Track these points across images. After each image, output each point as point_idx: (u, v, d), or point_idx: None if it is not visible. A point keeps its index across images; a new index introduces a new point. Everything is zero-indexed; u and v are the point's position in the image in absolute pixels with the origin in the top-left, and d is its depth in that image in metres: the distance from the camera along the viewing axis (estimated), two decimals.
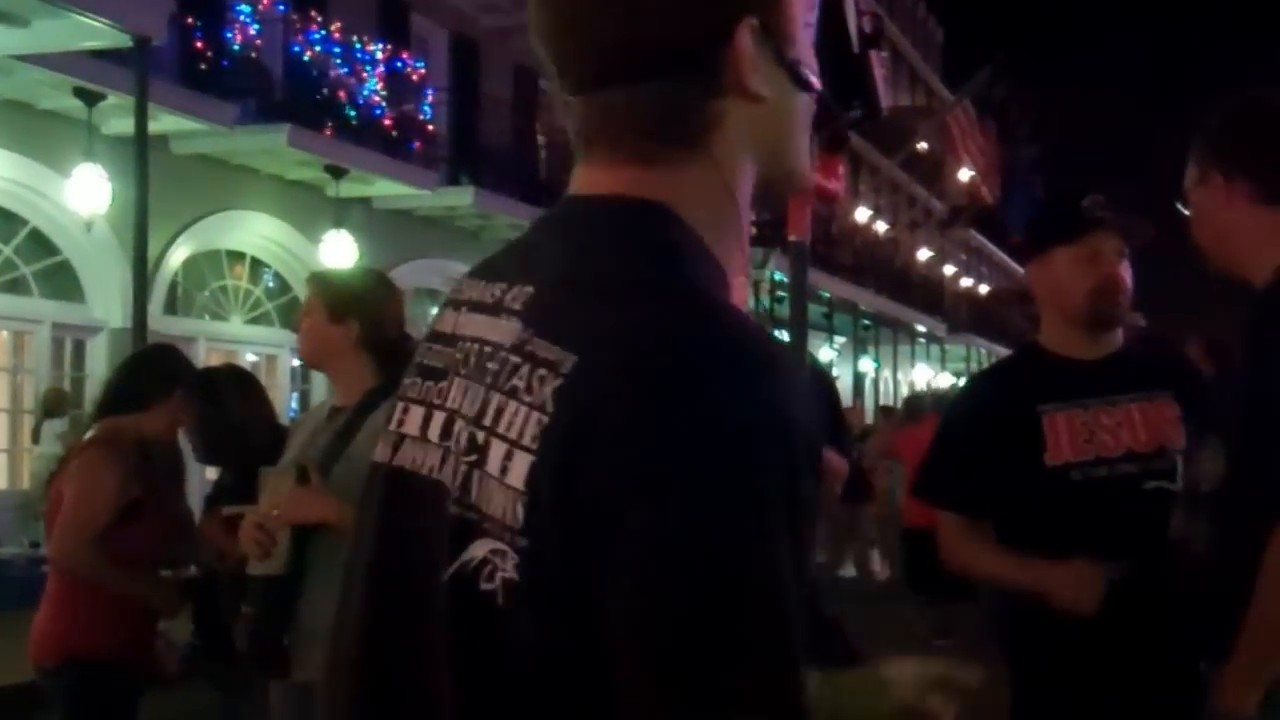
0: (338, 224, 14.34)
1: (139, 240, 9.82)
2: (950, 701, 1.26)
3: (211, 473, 5.42)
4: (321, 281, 3.46)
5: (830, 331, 26.86)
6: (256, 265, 15.28)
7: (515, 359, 0.99)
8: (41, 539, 6.91)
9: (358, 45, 14.82)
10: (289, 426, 4.02)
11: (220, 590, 3.88)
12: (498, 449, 0.97)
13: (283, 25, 14.00)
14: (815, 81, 1.11)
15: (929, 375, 36.10)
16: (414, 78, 15.95)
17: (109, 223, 11.76)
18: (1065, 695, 2.77)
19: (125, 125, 10.62)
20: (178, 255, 13.60)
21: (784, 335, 2.83)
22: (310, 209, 14.76)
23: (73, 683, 3.79)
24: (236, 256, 15.00)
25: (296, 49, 14.08)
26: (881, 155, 35.02)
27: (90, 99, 11.33)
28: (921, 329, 35.69)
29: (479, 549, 0.96)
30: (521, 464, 0.95)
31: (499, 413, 0.98)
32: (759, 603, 0.89)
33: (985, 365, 19.31)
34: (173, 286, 13.85)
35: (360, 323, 3.27)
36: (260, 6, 13.67)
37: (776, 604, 0.90)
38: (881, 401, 27.66)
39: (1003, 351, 31.31)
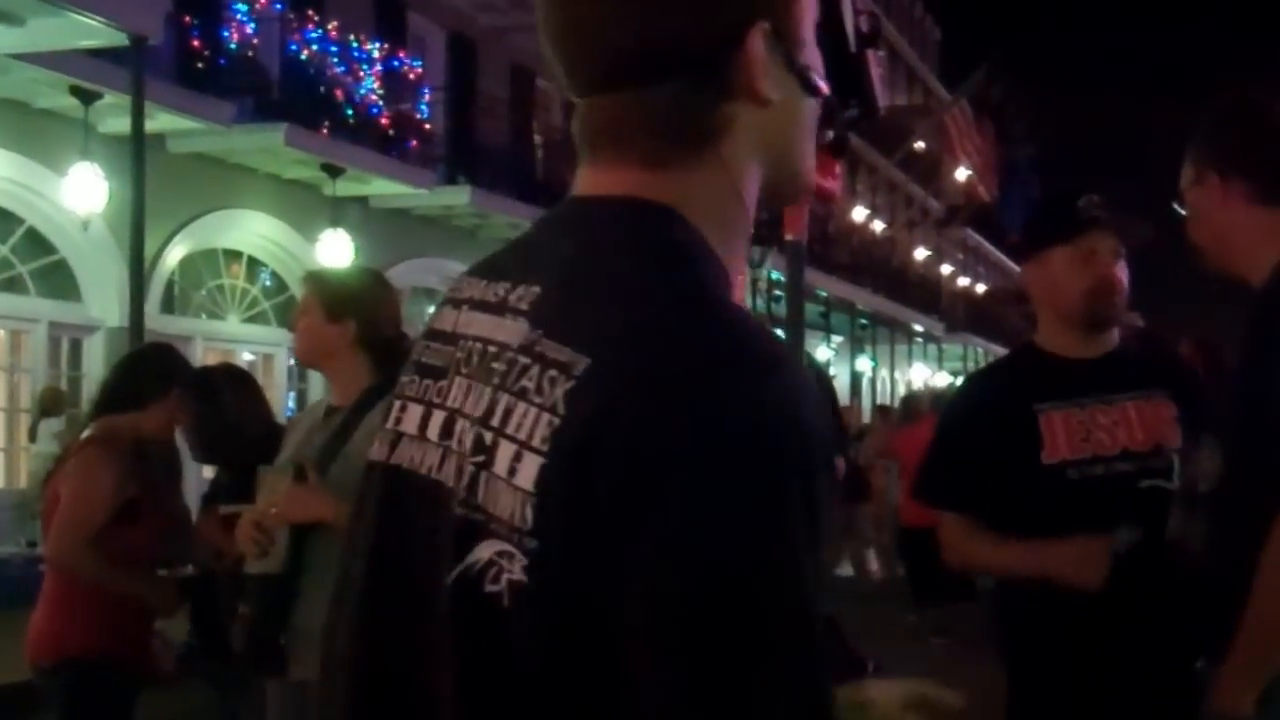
0: (334, 223, 14.33)
1: (136, 239, 9.82)
2: None
3: (209, 471, 5.42)
4: (318, 281, 3.45)
5: (827, 331, 26.87)
6: (253, 264, 15.27)
7: (524, 360, 0.99)
8: (38, 538, 6.92)
9: (355, 44, 14.82)
10: (286, 425, 4.02)
11: (217, 589, 3.88)
12: (506, 450, 0.97)
13: (280, 24, 13.99)
14: (823, 87, 1.12)
15: (926, 374, 36.12)
16: (411, 77, 15.95)
17: (106, 222, 11.74)
18: (1063, 694, 2.77)
19: (122, 124, 10.60)
20: (174, 254, 13.60)
21: (781, 334, 2.83)
22: (307, 208, 14.75)
23: (69, 682, 3.79)
24: (233, 255, 14.99)
25: (293, 48, 14.06)
26: (879, 154, 35.02)
27: (87, 98, 11.32)
28: (919, 328, 35.72)
29: (484, 551, 0.96)
30: (531, 465, 0.94)
31: (507, 414, 0.98)
32: (782, 603, 0.89)
33: (982, 365, 19.32)
34: (169, 285, 13.84)
35: (358, 322, 3.27)
36: (257, 5, 13.66)
37: (800, 604, 0.90)
38: (879, 401, 27.67)
39: (1000, 351, 31.34)
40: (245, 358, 14.76)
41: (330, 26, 14.57)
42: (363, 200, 15.50)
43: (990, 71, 38.69)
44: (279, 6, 14.03)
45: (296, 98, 13.80)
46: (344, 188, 14.58)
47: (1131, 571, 2.61)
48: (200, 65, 12.77)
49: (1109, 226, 2.82)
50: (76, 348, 13.14)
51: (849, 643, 5.33)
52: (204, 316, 14.62)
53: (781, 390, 0.93)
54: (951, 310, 39.92)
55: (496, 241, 14.97)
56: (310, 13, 14.46)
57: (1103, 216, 2.81)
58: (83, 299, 13.00)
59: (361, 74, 14.84)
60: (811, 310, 23.35)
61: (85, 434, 3.97)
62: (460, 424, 1.03)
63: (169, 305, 13.86)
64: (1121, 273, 2.84)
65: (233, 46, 13.30)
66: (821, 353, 26.14)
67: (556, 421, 0.94)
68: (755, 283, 3.82)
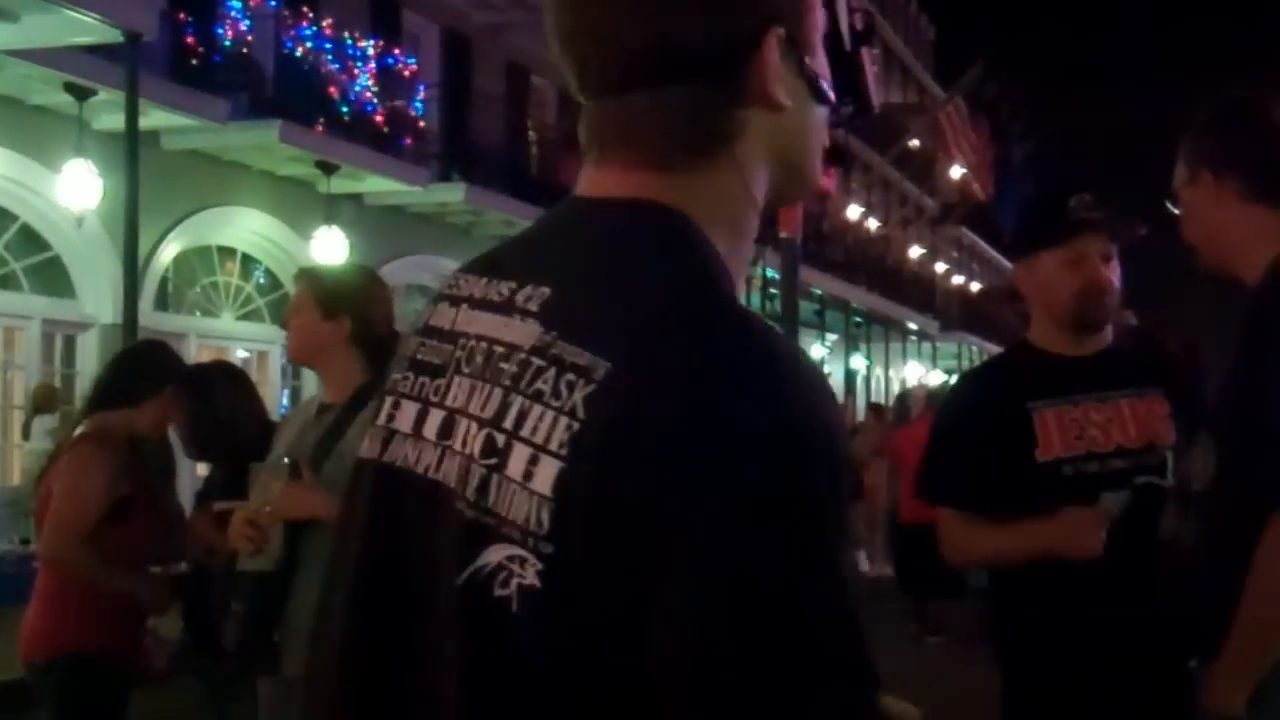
0: (329, 220, 14.32)
1: (130, 236, 9.80)
2: None
3: (203, 469, 5.41)
4: (312, 278, 3.44)
5: (822, 329, 26.88)
6: (247, 261, 15.26)
7: (538, 362, 0.98)
8: (31, 535, 6.90)
9: (349, 41, 14.81)
10: (279, 423, 4.01)
11: (210, 587, 3.88)
12: (520, 453, 0.96)
13: (274, 21, 13.98)
14: (832, 95, 1.12)
15: (920, 373, 36.12)
16: (405, 74, 15.94)
17: (100, 218, 11.72)
18: (1057, 693, 2.78)
19: (116, 121, 10.59)
20: (168, 251, 13.57)
21: None
22: (301, 205, 14.73)
23: (62, 679, 3.78)
24: (227, 252, 14.98)
25: (288, 45, 14.05)
26: (873, 152, 35.04)
27: (81, 94, 11.30)
28: (913, 326, 35.72)
29: (494, 554, 0.95)
30: (548, 469, 0.93)
31: (521, 416, 0.97)
32: (822, 607, 0.89)
33: (976, 363, 19.35)
34: (163, 282, 13.81)
35: (352, 319, 3.26)
36: (251, 2, 13.65)
37: (840, 605, 0.90)
38: (873, 399, 27.67)
39: (994, 349, 31.40)
40: (239, 355, 14.75)
41: (325, 23, 14.56)
42: (357, 197, 15.49)
43: (985, 69, 38.71)
44: (273, 3, 14.02)
45: (291, 95, 13.79)
46: (338, 185, 14.56)
47: (1126, 569, 2.62)
48: (195, 62, 12.77)
49: (1099, 228, 2.82)
50: (70, 345, 13.13)
51: None
52: (198, 314, 14.60)
53: (806, 390, 0.94)
54: (946, 308, 39.93)
55: (491, 239, 14.98)
56: (305, 9, 14.44)
57: (1092, 218, 2.82)
58: (76, 296, 12.98)
59: (356, 71, 14.84)
60: (806, 308, 23.33)
61: (78, 431, 3.97)
62: (463, 424, 1.02)
63: (163, 302, 13.84)
64: (1112, 274, 2.85)
65: (227, 43, 13.29)
66: (816, 351, 26.15)
67: (576, 426, 0.93)
68: (750, 280, 3.83)
